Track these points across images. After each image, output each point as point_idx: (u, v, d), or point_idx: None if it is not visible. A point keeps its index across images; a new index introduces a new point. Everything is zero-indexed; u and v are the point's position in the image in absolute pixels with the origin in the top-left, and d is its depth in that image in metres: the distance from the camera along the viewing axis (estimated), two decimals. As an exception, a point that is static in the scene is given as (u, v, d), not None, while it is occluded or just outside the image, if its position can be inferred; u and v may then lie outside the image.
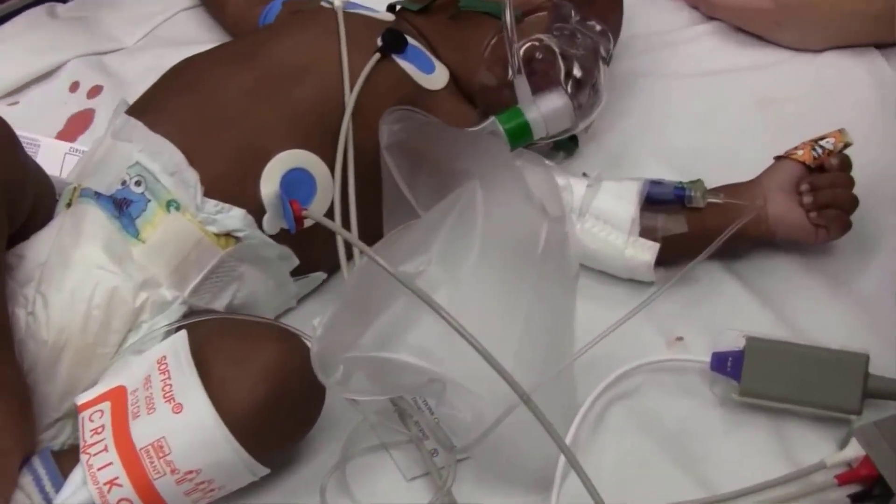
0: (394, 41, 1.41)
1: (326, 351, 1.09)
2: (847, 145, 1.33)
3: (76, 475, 1.09)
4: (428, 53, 1.46)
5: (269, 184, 1.27)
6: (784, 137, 1.39)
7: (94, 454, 1.09)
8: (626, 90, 1.61)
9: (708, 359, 1.23)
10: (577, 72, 1.42)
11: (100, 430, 1.11)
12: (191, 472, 1.09)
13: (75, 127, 1.67)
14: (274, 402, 1.11)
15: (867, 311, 1.31)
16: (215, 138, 1.27)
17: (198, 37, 1.80)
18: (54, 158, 1.52)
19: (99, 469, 1.08)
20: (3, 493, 1.08)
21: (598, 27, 1.45)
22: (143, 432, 1.09)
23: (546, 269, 1.19)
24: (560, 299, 1.20)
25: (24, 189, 1.18)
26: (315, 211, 1.28)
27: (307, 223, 1.22)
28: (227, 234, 1.25)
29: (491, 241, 1.18)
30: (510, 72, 1.39)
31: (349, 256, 1.27)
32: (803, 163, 1.32)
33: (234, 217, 1.24)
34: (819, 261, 1.37)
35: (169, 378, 1.12)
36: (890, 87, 1.57)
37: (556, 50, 1.41)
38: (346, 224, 1.29)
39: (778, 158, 1.36)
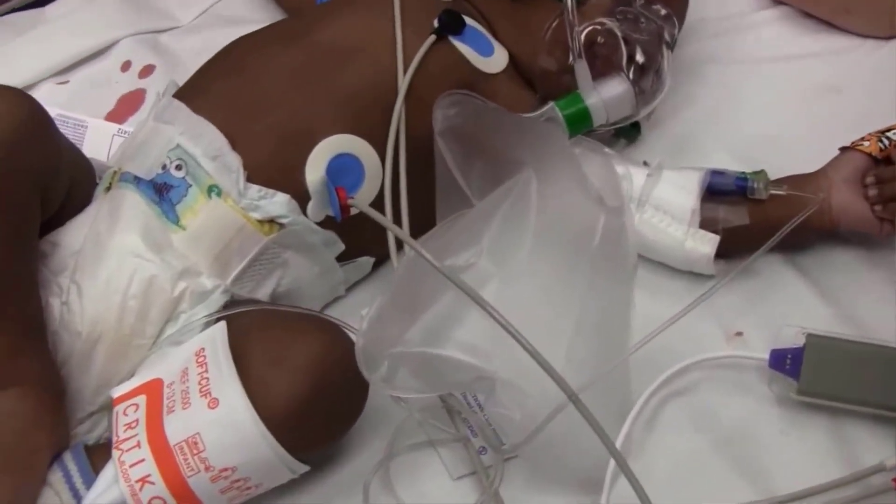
0: (451, 22, 1.38)
1: (371, 345, 1.07)
2: None
3: (108, 472, 1.07)
4: (487, 35, 1.44)
5: (314, 170, 1.24)
6: (851, 127, 1.36)
7: (127, 450, 1.06)
8: (690, 76, 1.59)
9: (767, 355, 1.20)
10: (639, 57, 1.39)
11: (133, 424, 1.09)
12: (226, 469, 1.06)
13: (126, 107, 1.66)
14: (315, 397, 1.08)
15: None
16: (260, 121, 1.26)
17: (255, 16, 1.78)
18: (102, 140, 1.49)
19: (131, 466, 1.05)
20: (30, 491, 1.06)
21: (663, 11, 1.42)
22: (177, 428, 1.07)
23: (602, 262, 1.15)
24: (616, 293, 1.16)
25: (59, 174, 1.16)
26: (363, 198, 1.26)
27: (353, 212, 1.19)
28: (271, 221, 1.23)
29: (545, 233, 1.15)
30: (571, 56, 1.35)
31: (399, 246, 1.25)
32: (869, 154, 1.28)
33: (277, 203, 1.22)
34: (883, 256, 1.34)
35: (206, 371, 1.10)
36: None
37: (619, 34, 1.38)
38: (396, 212, 1.26)
39: (843, 149, 1.32)
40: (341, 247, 1.29)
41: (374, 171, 1.28)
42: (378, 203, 1.27)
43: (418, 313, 1.10)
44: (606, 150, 1.34)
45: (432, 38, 1.36)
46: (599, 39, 1.39)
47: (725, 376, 1.24)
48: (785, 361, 1.19)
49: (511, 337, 1.00)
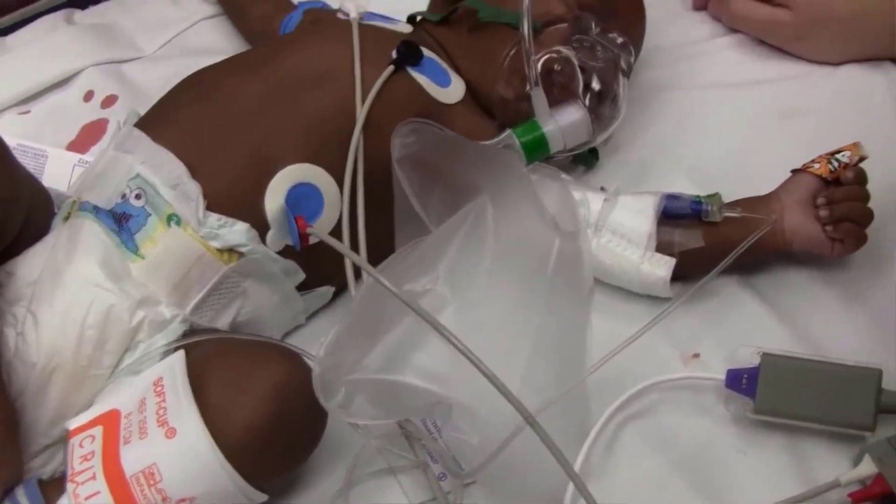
0: (408, 53, 1.39)
1: (328, 372, 1.07)
2: (862, 158, 1.31)
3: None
4: (445, 66, 1.45)
5: (273, 199, 1.25)
6: (804, 150, 1.37)
7: (82, 483, 1.05)
8: (647, 103, 1.60)
9: (723, 376, 1.21)
10: (595, 84, 1.40)
11: (89, 456, 1.07)
12: (183, 500, 1.05)
13: (88, 137, 1.65)
14: (273, 426, 1.07)
15: (882, 324, 1.30)
16: (220, 150, 1.26)
17: (219, 46, 1.78)
18: (63, 170, 1.49)
19: (86, 498, 1.04)
20: None
21: (620, 39, 1.44)
22: (133, 459, 1.05)
23: (558, 286, 1.16)
24: (573, 317, 1.18)
25: (16, 204, 1.16)
26: (322, 227, 1.27)
27: (312, 240, 1.20)
28: (231, 250, 1.23)
29: (501, 258, 1.16)
30: (528, 84, 1.37)
31: (357, 274, 1.25)
32: (819, 176, 1.31)
33: (237, 232, 1.22)
34: (835, 274, 1.36)
35: (164, 401, 1.09)
36: (906, 101, 1.54)
37: (575, 62, 1.40)
38: (354, 240, 1.28)
39: (795, 171, 1.34)
40: (302, 276, 1.30)
41: (333, 200, 1.29)
42: (338, 231, 1.28)
43: (375, 340, 1.11)
44: (564, 176, 1.35)
45: (390, 68, 1.37)
46: (556, 67, 1.40)
47: (683, 397, 1.25)
48: (741, 381, 1.20)
49: (468, 361, 1.01)
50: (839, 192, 1.30)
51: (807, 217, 1.31)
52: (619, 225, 1.33)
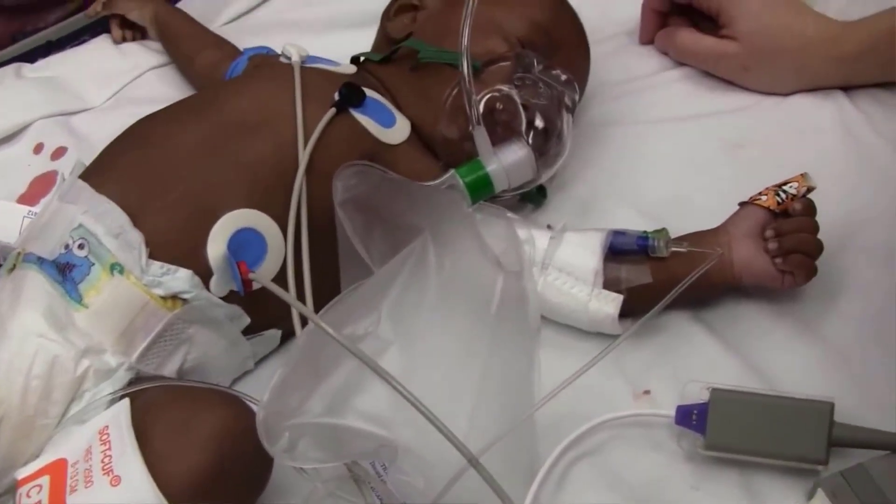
0: (350, 94, 1.39)
1: (272, 417, 1.06)
2: (810, 189, 1.32)
3: None
4: (389, 106, 1.45)
5: (216, 245, 1.25)
6: (753, 182, 1.37)
7: None
8: (595, 138, 1.60)
9: (674, 412, 1.21)
10: (539, 122, 1.40)
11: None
12: None
13: (38, 189, 1.65)
14: (216, 471, 1.07)
15: (834, 356, 1.30)
16: (162, 197, 1.26)
17: (168, 95, 1.77)
18: (12, 222, 1.46)
19: None
20: None
21: (563, 76, 1.44)
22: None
23: (503, 325, 1.16)
24: (519, 356, 1.17)
25: None
26: (266, 272, 1.27)
27: (256, 285, 1.20)
28: (174, 297, 1.23)
29: (444, 298, 1.16)
30: (470, 123, 1.37)
31: (304, 318, 1.25)
32: (767, 208, 1.31)
33: (180, 279, 1.22)
34: (786, 306, 1.35)
35: (109, 449, 1.09)
36: (855, 130, 1.56)
37: (517, 100, 1.40)
38: (300, 283, 1.27)
39: (742, 204, 1.34)
40: (246, 320, 1.30)
41: (276, 244, 1.28)
42: (283, 275, 1.27)
43: (318, 383, 1.10)
44: (510, 214, 1.35)
45: (332, 111, 1.37)
46: (498, 106, 1.40)
47: (635, 434, 1.24)
48: (691, 417, 1.19)
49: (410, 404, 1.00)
50: (787, 223, 1.30)
51: (756, 250, 1.31)
52: (565, 262, 1.33)
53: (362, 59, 1.57)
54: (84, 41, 1.91)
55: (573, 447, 1.22)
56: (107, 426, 1.11)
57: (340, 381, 1.10)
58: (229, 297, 1.27)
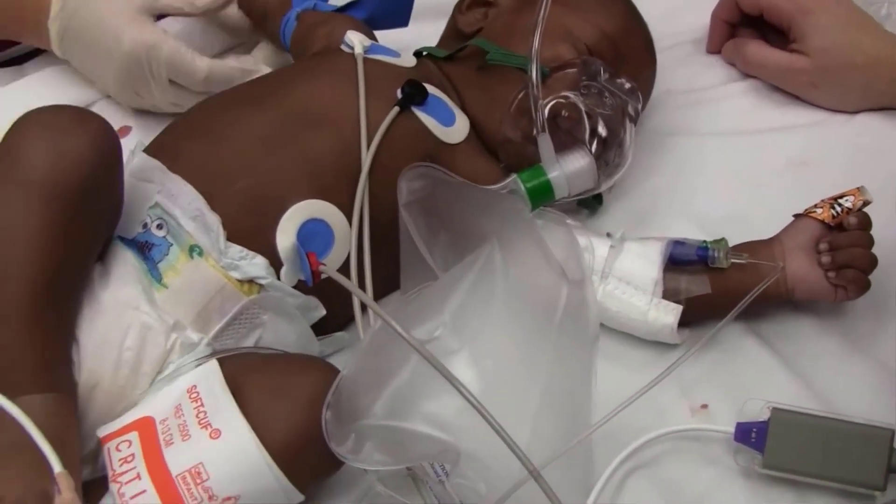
0: (414, 93, 1.43)
1: (337, 418, 1.10)
2: (866, 203, 1.35)
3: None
4: (450, 104, 1.49)
5: (285, 236, 1.29)
6: (815, 201, 1.41)
7: (126, 482, 1.09)
8: (657, 147, 1.63)
9: (732, 428, 1.24)
10: (602, 131, 1.43)
11: (129, 458, 1.11)
12: (229, 498, 1.09)
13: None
14: (314, 429, 1.11)
15: (892, 379, 1.32)
16: (231, 186, 1.30)
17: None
18: None
19: (132, 497, 1.08)
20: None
21: (628, 84, 1.47)
22: (178, 459, 1.10)
23: (565, 336, 1.19)
24: (579, 366, 1.20)
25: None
26: (332, 263, 1.31)
27: (323, 276, 1.24)
28: (251, 281, 1.27)
29: (509, 306, 1.19)
30: (534, 129, 1.40)
31: (364, 309, 1.29)
32: (822, 221, 1.35)
33: (257, 265, 1.27)
34: (843, 324, 1.39)
35: (202, 406, 1.14)
36: (921, 152, 1.59)
37: (582, 108, 1.43)
38: (361, 281, 1.31)
39: (797, 216, 1.38)
40: (322, 312, 1.33)
41: (343, 236, 1.33)
42: (344, 270, 1.31)
43: (383, 385, 1.13)
44: (569, 221, 1.38)
45: (395, 110, 1.41)
46: (563, 113, 1.43)
47: (691, 448, 1.28)
48: (750, 435, 1.23)
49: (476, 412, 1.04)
50: (842, 237, 1.34)
51: (809, 263, 1.35)
52: (625, 272, 1.37)
53: (425, 53, 1.60)
54: None
55: (629, 459, 1.25)
56: (195, 385, 1.16)
57: (406, 384, 1.13)
58: (299, 288, 1.31)
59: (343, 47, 1.54)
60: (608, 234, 1.42)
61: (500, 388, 1.10)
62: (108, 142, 1.21)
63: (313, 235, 1.31)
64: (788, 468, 1.22)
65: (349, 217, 1.33)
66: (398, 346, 1.10)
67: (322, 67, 1.50)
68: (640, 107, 1.49)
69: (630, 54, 1.54)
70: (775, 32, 1.72)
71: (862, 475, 1.19)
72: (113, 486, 1.08)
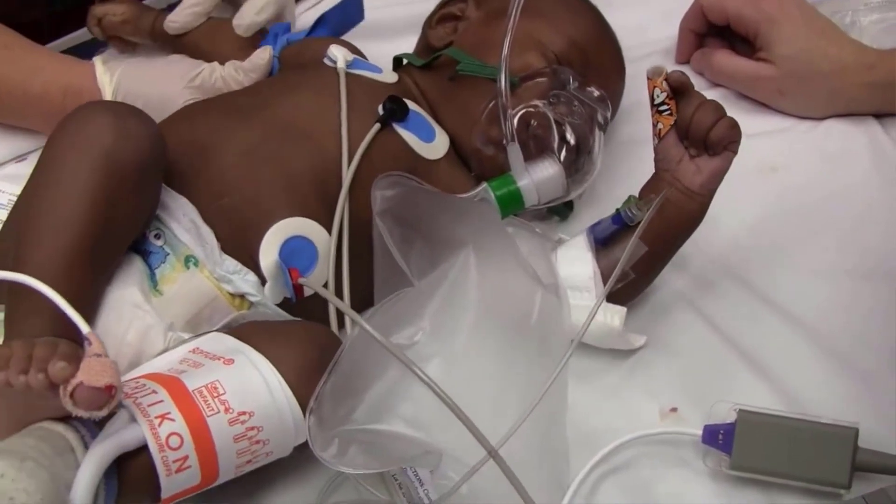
0: (396, 109, 1.49)
1: (321, 423, 1.15)
2: (667, 77, 1.39)
3: (121, 415, 1.10)
4: (429, 119, 1.56)
5: (268, 253, 1.34)
6: (784, 205, 1.49)
7: (143, 395, 1.12)
8: (628, 156, 1.68)
9: (700, 431, 1.29)
10: (571, 139, 1.49)
11: (142, 386, 1.14)
12: (244, 412, 1.14)
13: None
14: (319, 371, 1.17)
15: (860, 382, 1.38)
16: (217, 201, 1.35)
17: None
18: None
19: (149, 405, 1.11)
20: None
21: (597, 93, 1.52)
22: (194, 379, 1.15)
23: (541, 339, 1.25)
24: (554, 368, 1.22)
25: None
26: (316, 279, 1.36)
27: (307, 292, 1.30)
28: (242, 296, 1.34)
29: (485, 311, 1.25)
30: (504, 138, 1.46)
31: (341, 325, 1.34)
32: (670, 127, 1.40)
33: (249, 282, 1.33)
34: (814, 328, 1.44)
35: (210, 351, 1.20)
36: (888, 157, 1.67)
37: (552, 117, 1.49)
38: (338, 293, 1.35)
39: (655, 148, 1.44)
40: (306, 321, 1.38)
41: (326, 252, 1.38)
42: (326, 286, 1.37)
43: (363, 391, 1.19)
44: (537, 230, 1.43)
45: (376, 126, 1.47)
46: (533, 122, 1.50)
47: (662, 451, 1.33)
48: (718, 437, 1.28)
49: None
50: (683, 115, 1.39)
51: (693, 165, 1.40)
52: (565, 277, 1.40)
53: (404, 61, 1.66)
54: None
55: (602, 464, 1.30)
56: (198, 346, 1.23)
57: (385, 388, 1.20)
58: (289, 308, 1.37)
59: (326, 61, 1.60)
60: (559, 239, 1.48)
61: (478, 391, 1.15)
62: (160, 141, 1.30)
63: (297, 252, 1.37)
64: (756, 469, 1.27)
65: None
66: (377, 352, 1.16)
67: (306, 82, 1.55)
68: (609, 115, 1.54)
69: (599, 63, 1.60)
70: (742, 41, 1.79)
71: (827, 474, 1.25)
72: (127, 401, 1.10)
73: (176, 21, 1.73)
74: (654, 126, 1.42)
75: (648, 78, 1.39)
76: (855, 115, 1.72)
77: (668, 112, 1.39)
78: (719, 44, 1.83)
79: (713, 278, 1.53)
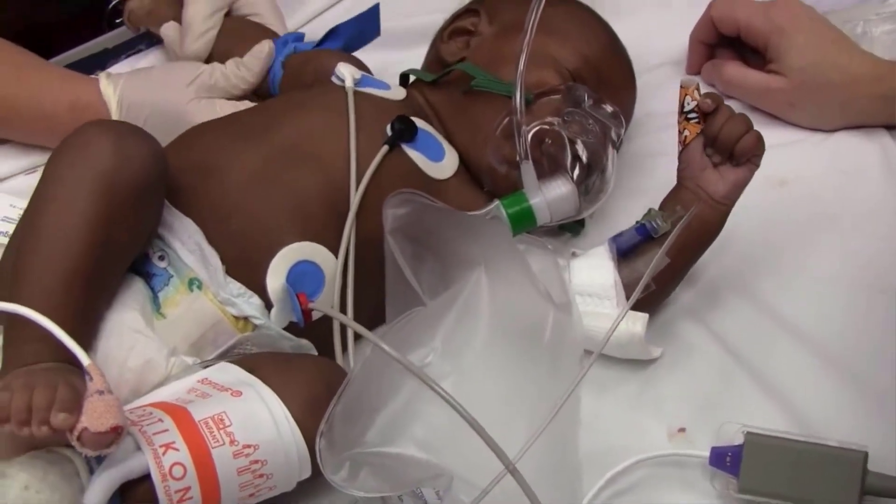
0: (404, 129, 1.51)
1: (332, 446, 1.16)
2: (698, 88, 1.43)
3: (126, 443, 1.11)
4: (438, 138, 1.57)
5: (275, 278, 1.37)
6: (795, 218, 1.52)
7: (149, 424, 1.14)
8: (638, 169, 1.70)
9: (708, 453, 1.30)
10: (585, 158, 1.50)
11: (149, 414, 1.16)
12: (249, 446, 1.15)
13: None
14: (325, 399, 1.18)
15: (870, 402, 1.38)
16: (224, 224, 1.38)
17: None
18: None
19: (154, 434, 1.12)
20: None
21: (610, 109, 1.54)
22: (201, 410, 1.16)
23: (553, 359, 1.26)
24: (566, 388, 1.23)
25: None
26: (324, 302, 1.38)
27: (315, 315, 1.31)
28: (246, 319, 1.35)
29: (497, 332, 1.27)
30: (518, 155, 1.47)
31: (344, 349, 1.36)
32: (696, 136, 1.43)
33: (253, 305, 1.34)
34: (824, 347, 1.45)
35: (218, 382, 1.22)
36: (898, 168, 1.69)
37: (565, 136, 1.50)
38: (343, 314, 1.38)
39: (680, 154, 1.47)
40: (314, 353, 1.39)
41: (333, 276, 1.40)
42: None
43: (375, 413, 1.21)
44: (549, 246, 1.43)
45: (385, 148, 1.48)
46: (547, 140, 1.51)
47: (669, 473, 1.34)
48: (725, 459, 1.29)
49: (466, 432, 1.09)
50: (712, 127, 1.43)
51: (716, 173, 1.44)
52: (584, 286, 1.43)
53: (412, 77, 1.67)
54: (140, 51, 1.95)
55: (610, 484, 1.31)
56: (207, 377, 1.24)
57: (397, 410, 1.22)
58: (295, 330, 1.37)
59: (334, 79, 1.61)
60: (573, 254, 1.49)
61: (489, 411, 1.15)
62: (162, 160, 1.31)
63: (304, 277, 1.39)
64: (764, 492, 1.28)
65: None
66: (388, 375, 1.19)
67: (313, 101, 1.56)
68: (622, 132, 1.55)
69: (612, 78, 1.62)
70: (753, 53, 1.80)
71: (836, 498, 1.26)
72: (132, 429, 1.12)
73: (196, 50, 1.76)
74: (680, 133, 1.45)
75: (682, 87, 1.43)
76: (866, 127, 1.73)
77: (697, 120, 1.43)
78: (730, 55, 1.84)
79: (722, 293, 1.54)
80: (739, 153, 1.41)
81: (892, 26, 1.79)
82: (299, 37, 1.76)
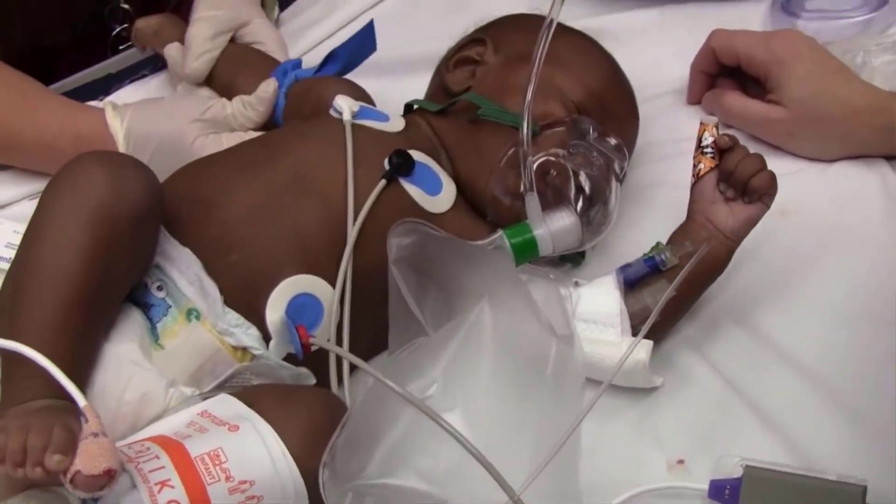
0: (401, 164, 1.52)
1: (335, 477, 1.18)
2: (717, 126, 1.48)
3: (122, 481, 1.12)
4: (437, 169, 1.58)
5: (274, 310, 1.39)
6: (796, 249, 1.54)
7: (145, 461, 1.15)
8: (639, 198, 1.71)
9: (707, 486, 1.31)
10: (588, 190, 1.52)
11: (146, 450, 1.17)
12: (245, 482, 1.16)
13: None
14: (326, 436, 1.20)
15: (870, 434, 1.39)
16: (223, 257, 1.40)
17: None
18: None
19: (150, 472, 1.13)
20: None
21: (614, 141, 1.55)
22: (197, 446, 1.17)
23: (555, 390, 1.27)
24: (568, 420, 1.25)
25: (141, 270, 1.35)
26: (322, 335, 1.40)
27: (313, 348, 1.32)
28: (244, 349, 1.36)
29: (499, 364, 1.27)
30: (522, 186, 1.48)
31: (339, 381, 1.37)
32: (710, 170, 1.47)
33: (251, 336, 1.36)
34: (824, 380, 1.45)
35: (217, 417, 1.23)
36: (899, 199, 1.70)
37: (570, 168, 1.51)
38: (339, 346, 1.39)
39: (693, 186, 1.50)
40: (312, 381, 1.41)
41: (331, 308, 1.42)
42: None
43: (376, 445, 1.21)
44: (552, 276, 1.45)
45: (382, 183, 1.50)
46: (552, 172, 1.52)
47: (668, 505, 1.39)
48: (724, 492, 1.30)
49: (468, 464, 1.10)
50: (728, 163, 1.47)
51: (727, 207, 1.47)
52: (589, 313, 1.45)
53: (416, 107, 1.69)
54: (144, 76, 1.99)
55: (609, 517, 1.34)
56: (206, 410, 1.25)
57: (397, 442, 1.22)
58: (294, 360, 1.38)
59: (332, 112, 1.62)
60: (576, 283, 1.50)
61: (492, 443, 1.16)
62: (157, 191, 1.32)
63: (303, 309, 1.41)
64: (762, 526, 1.31)
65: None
66: (389, 406, 1.20)
67: (312, 133, 1.58)
68: (626, 164, 1.57)
69: (615, 110, 1.64)
70: (754, 82, 1.81)
71: (836, 532, 1.29)
72: (129, 465, 1.14)
73: (195, 69, 1.80)
74: (695, 167, 1.48)
75: (701, 123, 1.48)
76: (866, 157, 1.74)
77: (712, 155, 1.46)
78: (731, 84, 1.85)
79: (721, 324, 1.55)
80: (753, 189, 1.44)
81: (893, 57, 1.79)
82: (297, 63, 1.79)
